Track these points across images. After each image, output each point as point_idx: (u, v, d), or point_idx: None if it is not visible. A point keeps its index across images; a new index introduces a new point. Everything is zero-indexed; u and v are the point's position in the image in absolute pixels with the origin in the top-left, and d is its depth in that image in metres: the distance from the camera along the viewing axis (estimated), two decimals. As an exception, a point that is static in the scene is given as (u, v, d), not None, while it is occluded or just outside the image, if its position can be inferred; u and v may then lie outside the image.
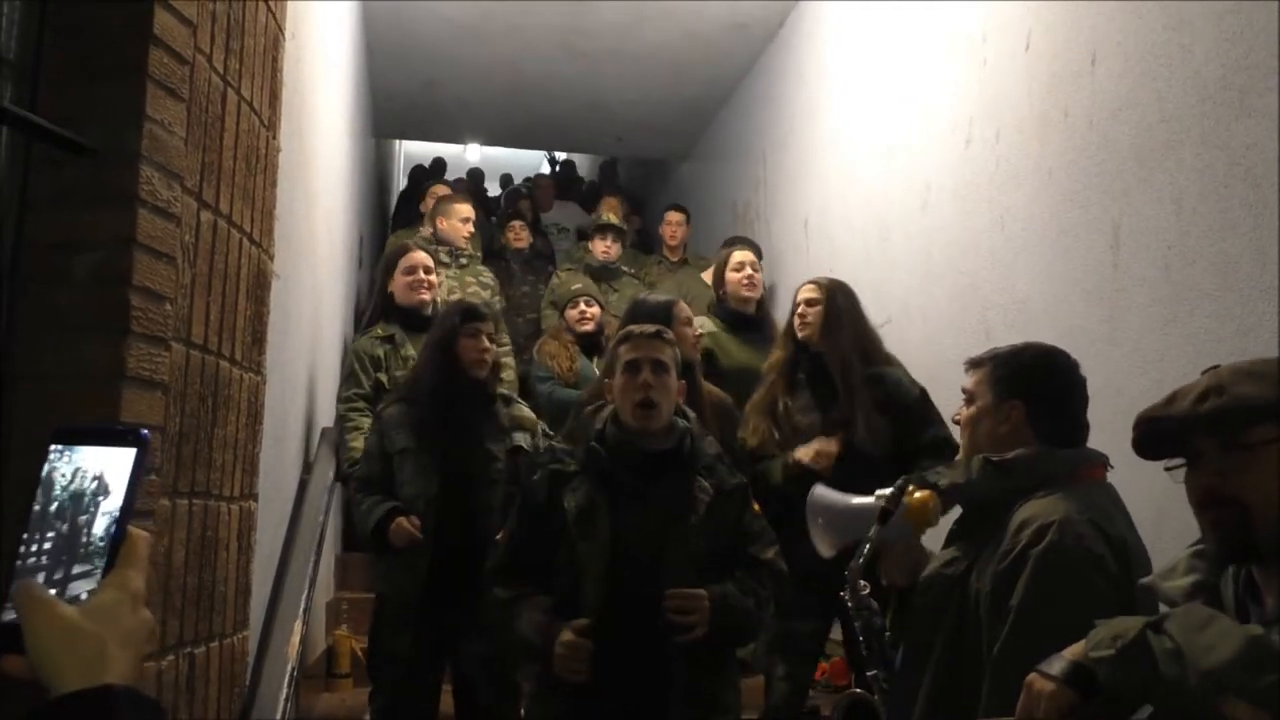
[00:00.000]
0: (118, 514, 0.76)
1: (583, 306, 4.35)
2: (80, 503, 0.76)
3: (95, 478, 0.76)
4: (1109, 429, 2.59)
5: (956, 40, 3.64)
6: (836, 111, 4.90)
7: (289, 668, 2.61)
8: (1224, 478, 1.44)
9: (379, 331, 3.83)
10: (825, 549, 2.40)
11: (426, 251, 4.11)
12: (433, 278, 3.93)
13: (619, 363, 2.43)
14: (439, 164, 9.44)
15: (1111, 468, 1.95)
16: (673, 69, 6.35)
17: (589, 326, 4.27)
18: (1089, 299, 2.75)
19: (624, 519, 2.31)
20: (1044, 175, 3.01)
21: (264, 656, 2.60)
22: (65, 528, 0.75)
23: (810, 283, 3.34)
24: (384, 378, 3.73)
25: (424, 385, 3.08)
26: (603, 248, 5.47)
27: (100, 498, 0.76)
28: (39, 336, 1.63)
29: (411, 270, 3.85)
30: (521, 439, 3.11)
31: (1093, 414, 2.67)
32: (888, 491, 2.07)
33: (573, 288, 4.54)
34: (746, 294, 3.89)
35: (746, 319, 3.90)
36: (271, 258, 2.42)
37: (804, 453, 3.01)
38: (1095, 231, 2.73)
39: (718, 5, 5.50)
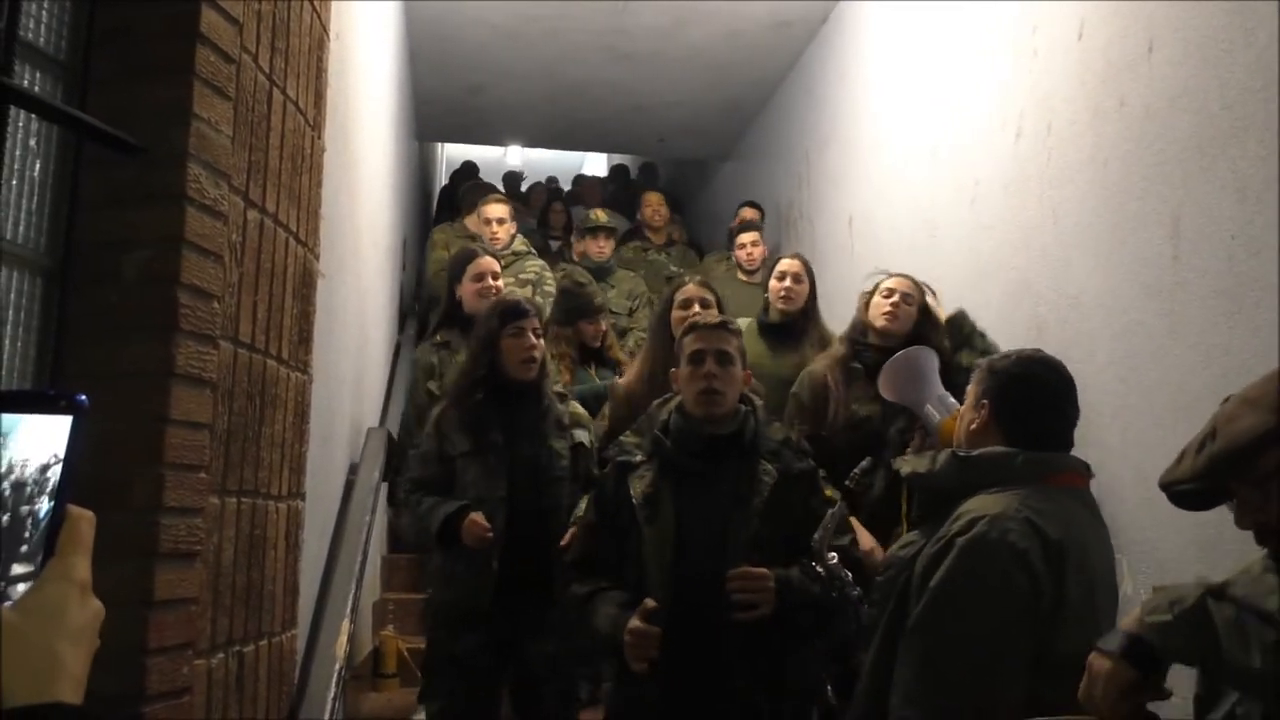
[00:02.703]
0: (55, 495, 0.65)
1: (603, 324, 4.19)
2: (21, 493, 0.65)
3: (41, 466, 0.65)
4: (1168, 425, 2.54)
5: (1005, 32, 3.58)
6: (881, 108, 4.83)
7: (337, 667, 2.61)
8: (1261, 512, 1.41)
9: (438, 338, 3.83)
10: (887, 393, 2.81)
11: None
12: (500, 283, 3.88)
13: (684, 353, 2.47)
14: (469, 167, 9.34)
15: (1092, 476, 1.99)
16: (714, 69, 6.32)
17: (598, 344, 4.10)
18: (1148, 292, 2.67)
19: (688, 504, 2.35)
20: (1098, 167, 2.94)
21: (312, 656, 2.60)
22: (5, 519, 0.64)
23: (904, 277, 3.28)
24: (434, 385, 3.71)
25: (474, 388, 3.02)
26: (596, 248, 5.42)
27: (45, 487, 0.65)
28: (89, 335, 1.64)
29: (480, 277, 3.80)
30: (582, 436, 3.06)
31: (1151, 410, 2.61)
32: (951, 401, 2.60)
33: (596, 300, 4.21)
34: (781, 306, 3.87)
35: (782, 327, 3.86)
36: (317, 257, 2.42)
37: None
38: (1154, 223, 2.66)
39: (759, 4, 5.46)
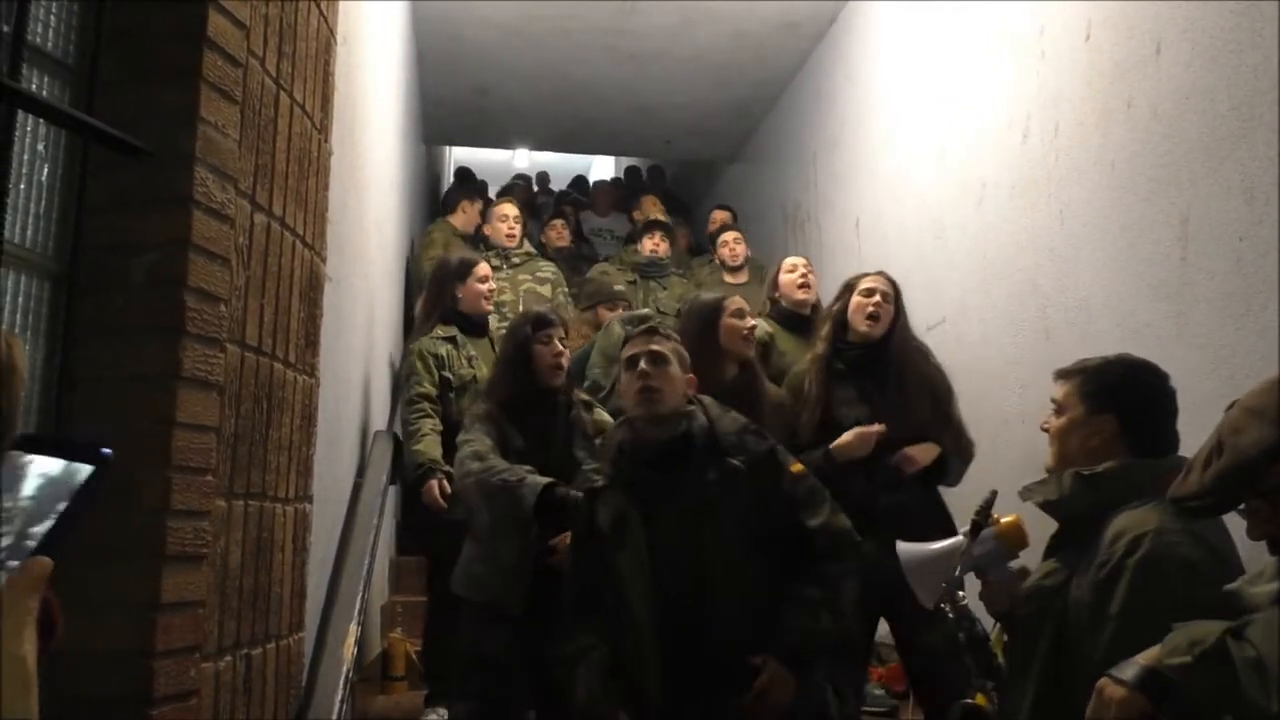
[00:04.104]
0: (54, 527, 0.69)
1: (622, 311, 4.29)
2: (38, 503, 0.69)
3: (50, 479, 0.69)
4: (1178, 429, 2.52)
5: (1013, 33, 3.57)
6: (888, 109, 4.83)
7: (344, 669, 2.61)
8: (1272, 521, 1.42)
9: (439, 332, 3.83)
10: (927, 600, 2.34)
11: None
12: (492, 285, 4.06)
13: (621, 365, 2.49)
14: (464, 173, 9.22)
15: None
16: (722, 70, 6.31)
17: None
18: (1155, 294, 2.66)
19: (655, 518, 2.32)
20: (1106, 168, 2.93)
21: (319, 658, 2.60)
22: (19, 526, 0.68)
23: (879, 274, 3.21)
24: (450, 375, 3.73)
25: (503, 396, 3.05)
26: (650, 245, 5.44)
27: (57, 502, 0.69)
28: (96, 339, 1.64)
29: (484, 280, 3.94)
30: None
31: (1160, 413, 2.60)
32: (984, 534, 2.10)
33: (615, 287, 4.42)
34: (801, 295, 3.80)
35: (801, 318, 3.81)
36: (324, 260, 2.43)
37: (843, 441, 2.95)
38: (1162, 224, 2.65)
39: (767, 5, 5.45)
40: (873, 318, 3.08)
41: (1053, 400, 2.05)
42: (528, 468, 2.75)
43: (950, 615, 2.24)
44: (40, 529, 0.68)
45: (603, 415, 3.17)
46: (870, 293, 3.12)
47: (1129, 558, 1.72)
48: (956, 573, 2.15)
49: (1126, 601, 1.71)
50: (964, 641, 2.24)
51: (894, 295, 3.15)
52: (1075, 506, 1.88)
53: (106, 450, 0.70)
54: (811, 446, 2.97)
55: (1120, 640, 1.70)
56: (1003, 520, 2.10)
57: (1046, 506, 1.94)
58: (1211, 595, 1.65)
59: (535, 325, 3.09)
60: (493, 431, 2.93)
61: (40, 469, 0.69)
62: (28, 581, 0.69)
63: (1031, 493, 1.98)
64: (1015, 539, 2.10)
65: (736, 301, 3.22)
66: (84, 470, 0.70)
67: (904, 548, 2.37)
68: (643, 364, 2.41)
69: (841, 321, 3.15)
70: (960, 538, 2.22)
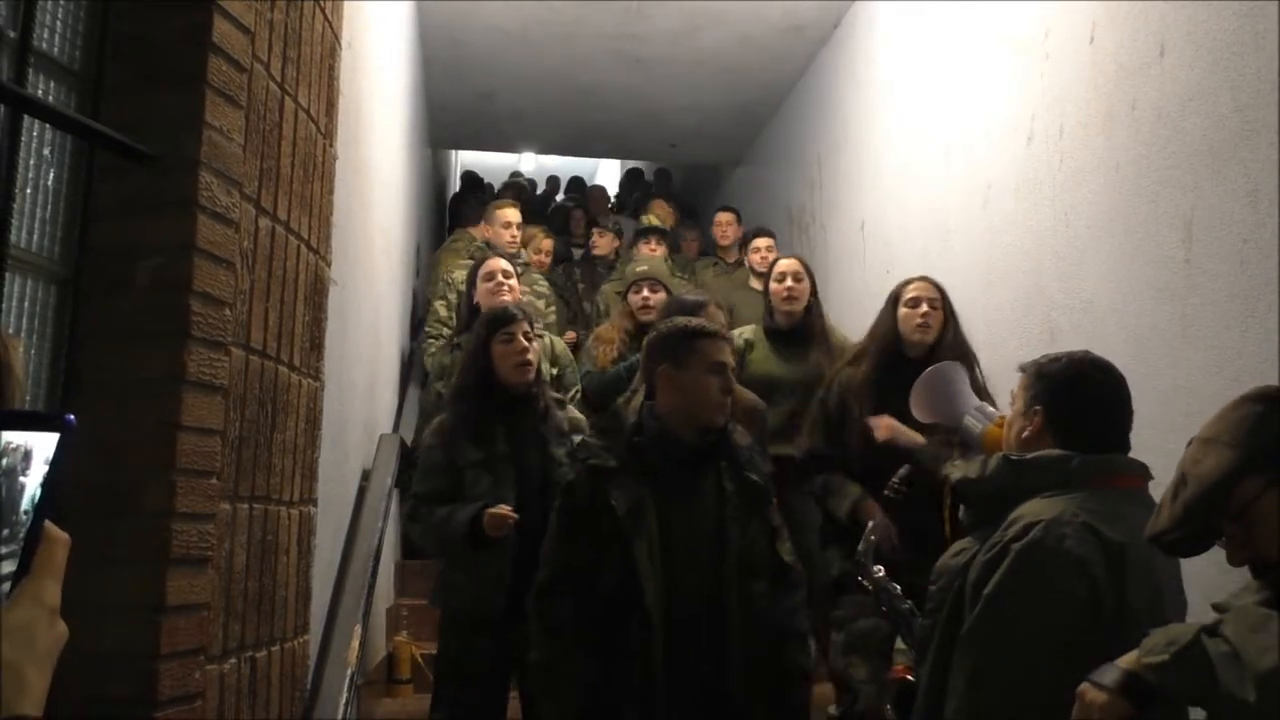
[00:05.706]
0: (34, 511, 0.69)
1: (645, 292, 4.06)
2: (11, 478, 0.68)
3: (25, 451, 0.69)
4: (1183, 430, 2.50)
5: (1017, 36, 3.57)
6: (893, 112, 4.83)
7: (349, 672, 2.62)
8: (1249, 546, 1.45)
9: (455, 341, 3.88)
10: (921, 414, 2.68)
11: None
12: (512, 281, 3.90)
13: (703, 360, 2.34)
14: (471, 177, 9.21)
15: (1151, 478, 1.90)
16: (727, 74, 6.32)
17: (650, 315, 3.90)
18: (1160, 297, 2.66)
19: (670, 513, 2.27)
20: (1110, 170, 2.93)
21: (324, 661, 2.61)
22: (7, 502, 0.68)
23: (923, 280, 3.15)
24: (441, 386, 3.77)
25: (464, 396, 3.00)
26: (648, 250, 5.44)
27: (26, 473, 0.69)
28: (102, 342, 1.65)
29: (490, 276, 3.85)
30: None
31: (1166, 415, 2.59)
32: (990, 410, 2.45)
33: (638, 269, 4.24)
34: (786, 308, 3.79)
35: (790, 333, 3.78)
36: (329, 264, 2.44)
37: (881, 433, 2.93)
38: (1166, 227, 2.65)
39: (772, 8, 5.46)
40: (923, 327, 3.06)
41: (1011, 392, 2.07)
42: (449, 507, 2.83)
43: (869, 589, 2.37)
44: (25, 502, 0.69)
45: (573, 412, 3.14)
46: (916, 302, 3.10)
47: (1015, 542, 1.73)
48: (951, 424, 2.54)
49: (1000, 583, 1.72)
50: (886, 614, 2.35)
51: (941, 299, 3.11)
52: (991, 488, 1.87)
53: (70, 417, 0.70)
54: (860, 466, 2.98)
55: (982, 620, 1.73)
56: (997, 429, 2.25)
57: (965, 484, 1.94)
58: (1087, 591, 1.68)
59: (490, 326, 2.99)
60: (439, 457, 2.94)
61: (16, 433, 0.70)
62: (58, 564, 0.71)
63: (955, 468, 2.00)
64: (988, 445, 2.23)
65: (716, 311, 3.19)
66: (51, 439, 0.70)
67: (946, 370, 2.68)
68: (729, 378, 2.36)
69: (891, 337, 3.11)
70: (975, 409, 2.46)
